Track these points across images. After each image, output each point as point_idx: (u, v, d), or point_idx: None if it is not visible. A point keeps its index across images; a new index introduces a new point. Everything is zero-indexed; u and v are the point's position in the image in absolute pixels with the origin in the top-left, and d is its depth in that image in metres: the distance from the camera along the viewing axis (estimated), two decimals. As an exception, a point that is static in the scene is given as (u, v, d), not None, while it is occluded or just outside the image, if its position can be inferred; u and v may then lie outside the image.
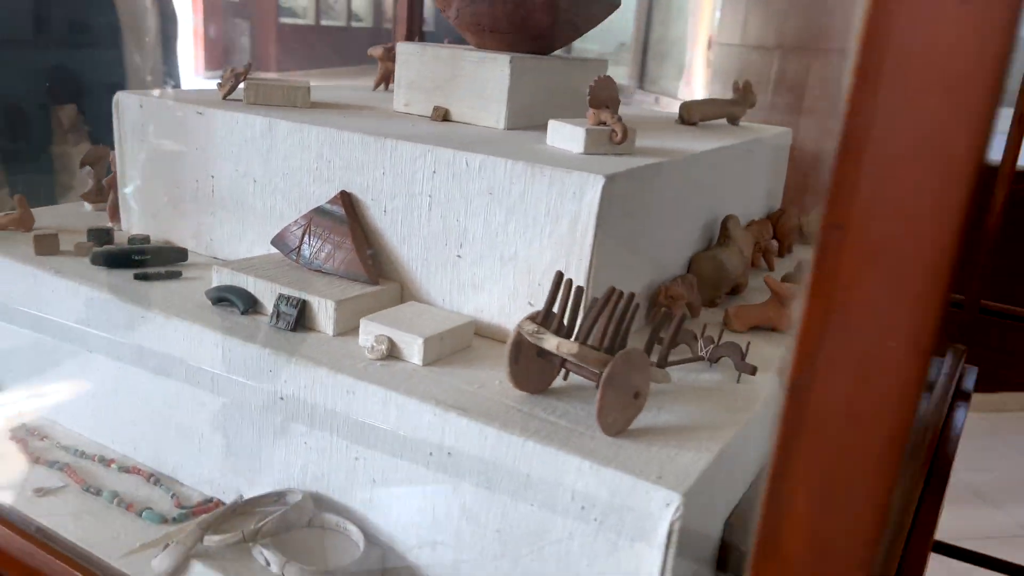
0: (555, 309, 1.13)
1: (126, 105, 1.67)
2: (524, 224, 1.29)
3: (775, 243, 1.93)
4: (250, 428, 1.30)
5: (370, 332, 1.27)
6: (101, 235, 1.63)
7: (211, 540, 1.13)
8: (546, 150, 1.41)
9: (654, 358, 1.17)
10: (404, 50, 1.72)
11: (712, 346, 1.31)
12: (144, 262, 1.54)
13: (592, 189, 1.23)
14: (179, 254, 1.59)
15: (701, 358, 1.32)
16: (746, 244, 1.71)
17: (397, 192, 1.40)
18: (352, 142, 1.43)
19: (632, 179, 1.31)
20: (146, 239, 1.63)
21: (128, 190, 1.72)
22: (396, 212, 1.42)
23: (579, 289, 1.15)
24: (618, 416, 1.07)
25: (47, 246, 1.58)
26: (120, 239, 1.65)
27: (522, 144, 1.45)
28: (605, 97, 1.43)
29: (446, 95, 1.68)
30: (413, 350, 1.24)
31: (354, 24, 15.61)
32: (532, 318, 1.12)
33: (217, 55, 5.32)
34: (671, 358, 1.23)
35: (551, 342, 1.07)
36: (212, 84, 1.75)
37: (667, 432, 1.10)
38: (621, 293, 1.13)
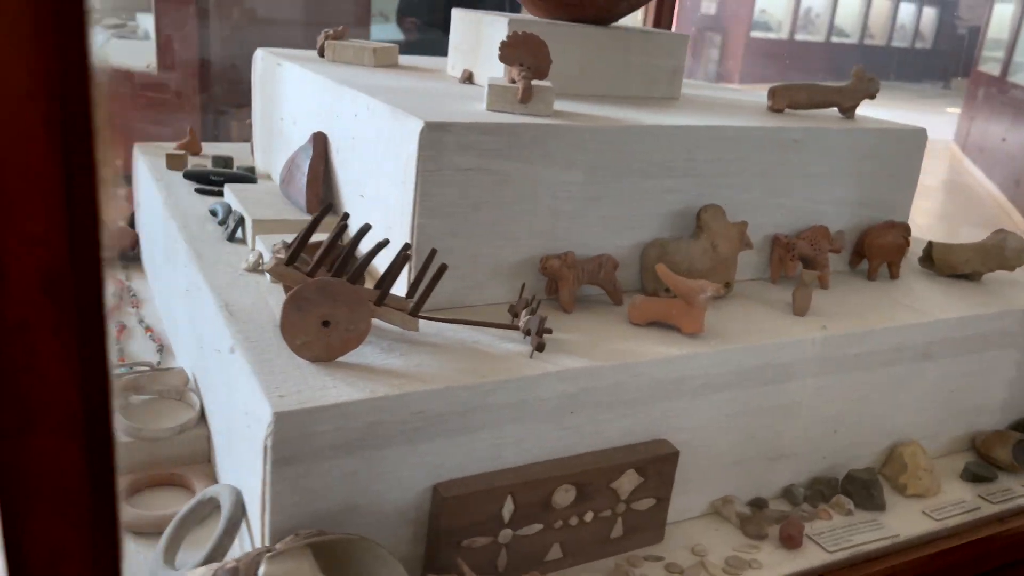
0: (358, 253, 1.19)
1: (255, 61, 2.04)
2: (384, 166, 1.35)
3: (825, 255, 1.60)
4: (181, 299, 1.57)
5: (257, 248, 1.45)
6: (220, 162, 2.03)
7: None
8: (450, 105, 1.42)
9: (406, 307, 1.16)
10: (456, 16, 1.82)
11: (528, 317, 1.23)
12: (218, 182, 1.89)
13: (412, 135, 1.24)
14: (247, 178, 1.91)
15: (513, 327, 1.24)
16: (726, 239, 1.48)
17: (344, 134, 1.54)
18: (326, 88, 1.60)
19: (484, 133, 1.28)
20: (229, 162, 1.98)
21: (255, 130, 2.10)
22: (341, 152, 1.56)
23: (341, 229, 1.18)
24: (312, 341, 1.10)
25: (176, 163, 2.03)
26: (241, 163, 2.02)
27: (442, 98, 1.48)
28: (521, 55, 1.39)
29: (475, 58, 1.75)
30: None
31: (834, 39, 14.99)
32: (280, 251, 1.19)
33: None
34: (481, 319, 1.20)
35: (269, 264, 1.14)
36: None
37: (361, 370, 1.10)
38: (368, 227, 1.15)
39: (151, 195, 1.88)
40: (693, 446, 1.33)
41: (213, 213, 1.66)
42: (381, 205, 1.38)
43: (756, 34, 14.61)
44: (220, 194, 1.78)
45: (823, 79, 1.90)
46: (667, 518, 1.32)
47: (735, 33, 13.78)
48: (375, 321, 1.17)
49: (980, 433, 1.67)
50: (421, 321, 1.21)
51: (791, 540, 1.32)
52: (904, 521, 1.43)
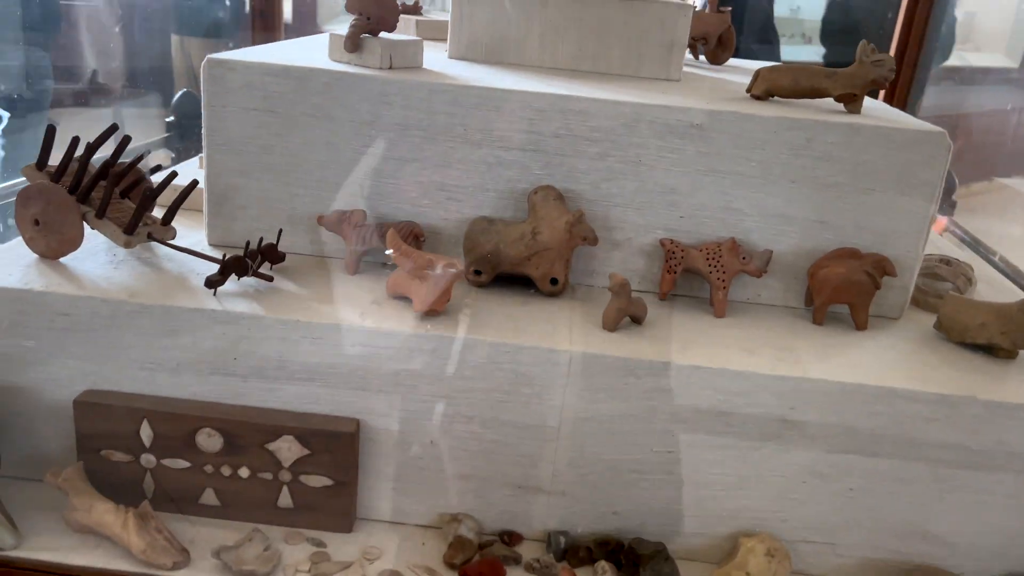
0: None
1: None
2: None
3: (724, 274, 1.24)
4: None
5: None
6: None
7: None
8: (293, 52, 1.41)
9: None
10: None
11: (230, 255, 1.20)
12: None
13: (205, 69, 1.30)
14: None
15: (216, 260, 1.23)
16: (550, 227, 1.24)
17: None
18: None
19: (269, 74, 1.27)
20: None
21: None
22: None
23: (88, 149, 1.28)
24: (34, 237, 1.24)
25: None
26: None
27: (294, 49, 1.47)
28: (364, 4, 1.33)
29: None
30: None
31: None
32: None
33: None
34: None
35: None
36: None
37: (71, 271, 1.21)
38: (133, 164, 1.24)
39: None
40: (403, 442, 1.17)
41: None
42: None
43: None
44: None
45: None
46: (357, 509, 1.19)
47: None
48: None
49: (920, 568, 1.17)
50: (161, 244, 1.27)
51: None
52: (655, 618, 1.08)
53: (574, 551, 1.17)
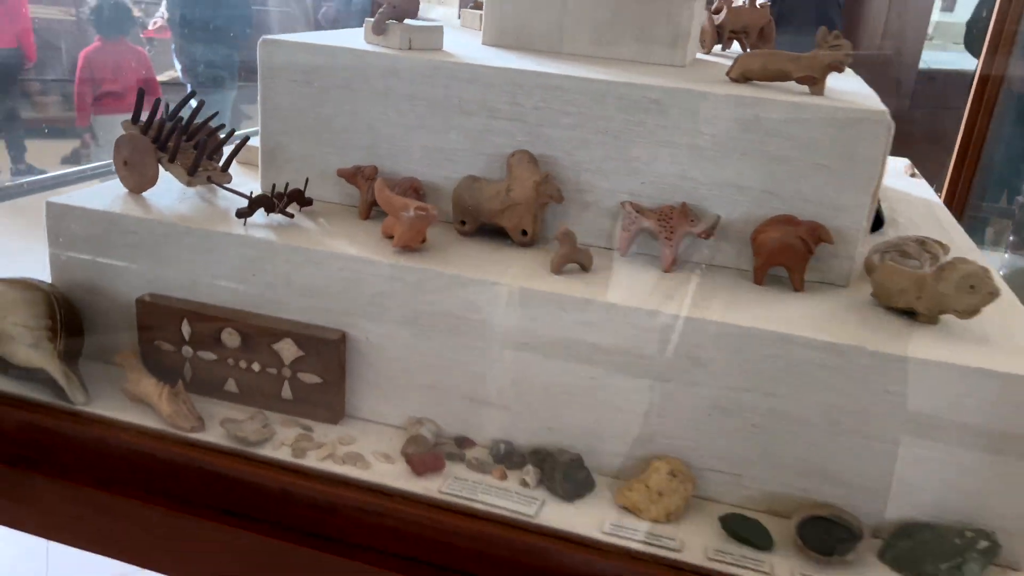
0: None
1: None
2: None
3: (673, 234, 1.39)
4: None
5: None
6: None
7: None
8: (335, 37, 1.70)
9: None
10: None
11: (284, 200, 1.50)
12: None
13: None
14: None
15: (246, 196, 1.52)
16: (521, 186, 1.45)
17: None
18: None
19: (309, 53, 1.57)
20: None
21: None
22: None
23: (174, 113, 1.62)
24: (126, 176, 1.59)
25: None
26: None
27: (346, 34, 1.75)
28: (389, -7, 1.60)
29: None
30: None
31: None
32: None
33: None
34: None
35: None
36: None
37: (147, 203, 1.55)
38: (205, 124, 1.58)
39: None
40: (382, 353, 1.42)
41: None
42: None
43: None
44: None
45: None
46: (345, 405, 1.46)
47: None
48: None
49: (817, 504, 1.29)
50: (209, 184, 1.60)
51: (413, 464, 1.33)
52: (556, 513, 1.27)
53: (510, 457, 1.38)
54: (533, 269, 1.40)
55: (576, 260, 1.40)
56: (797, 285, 1.41)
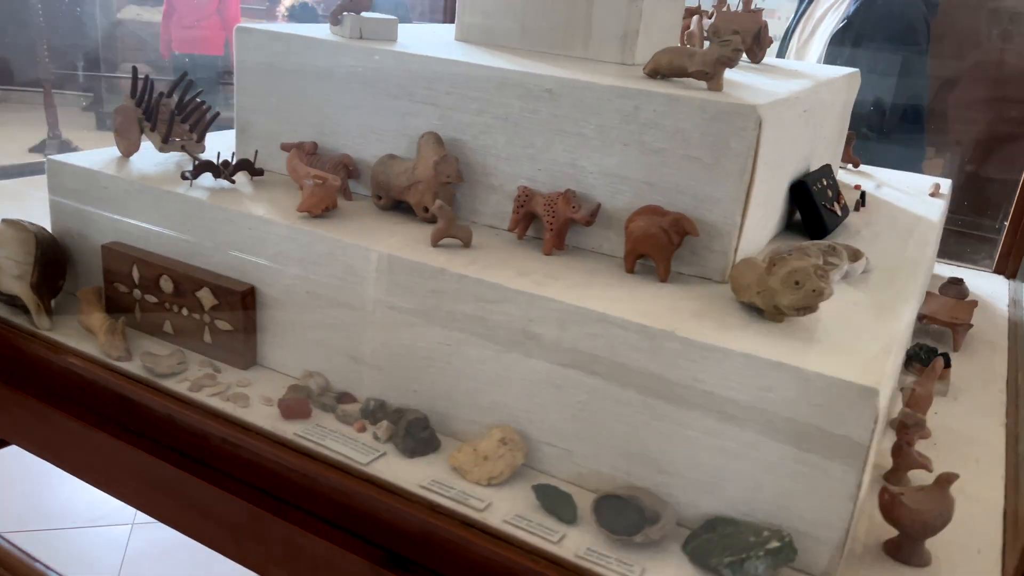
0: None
1: None
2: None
3: (555, 219, 1.43)
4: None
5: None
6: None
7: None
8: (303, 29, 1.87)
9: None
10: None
11: (230, 168, 1.69)
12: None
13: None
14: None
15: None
16: (424, 165, 1.55)
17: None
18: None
19: (272, 39, 1.75)
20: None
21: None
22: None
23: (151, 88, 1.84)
24: (121, 141, 1.84)
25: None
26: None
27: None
28: (347, -11, 1.75)
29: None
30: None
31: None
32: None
33: None
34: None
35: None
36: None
37: (133, 161, 1.79)
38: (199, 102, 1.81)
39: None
40: (284, 309, 1.57)
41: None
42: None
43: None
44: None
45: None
46: (256, 354, 1.62)
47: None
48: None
49: (632, 487, 1.30)
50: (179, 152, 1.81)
51: (282, 409, 1.47)
52: (389, 466, 1.36)
53: (376, 413, 1.48)
54: (416, 241, 1.50)
55: (453, 235, 1.48)
56: (661, 275, 1.42)
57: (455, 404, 1.44)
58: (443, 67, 1.58)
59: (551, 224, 1.49)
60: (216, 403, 1.49)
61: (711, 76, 1.47)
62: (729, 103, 1.37)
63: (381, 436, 1.42)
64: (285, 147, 1.74)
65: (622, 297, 1.33)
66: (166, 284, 1.65)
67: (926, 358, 1.80)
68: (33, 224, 1.77)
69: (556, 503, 1.29)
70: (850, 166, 2.50)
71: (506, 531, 1.24)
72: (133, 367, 1.58)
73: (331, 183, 1.53)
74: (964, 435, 1.60)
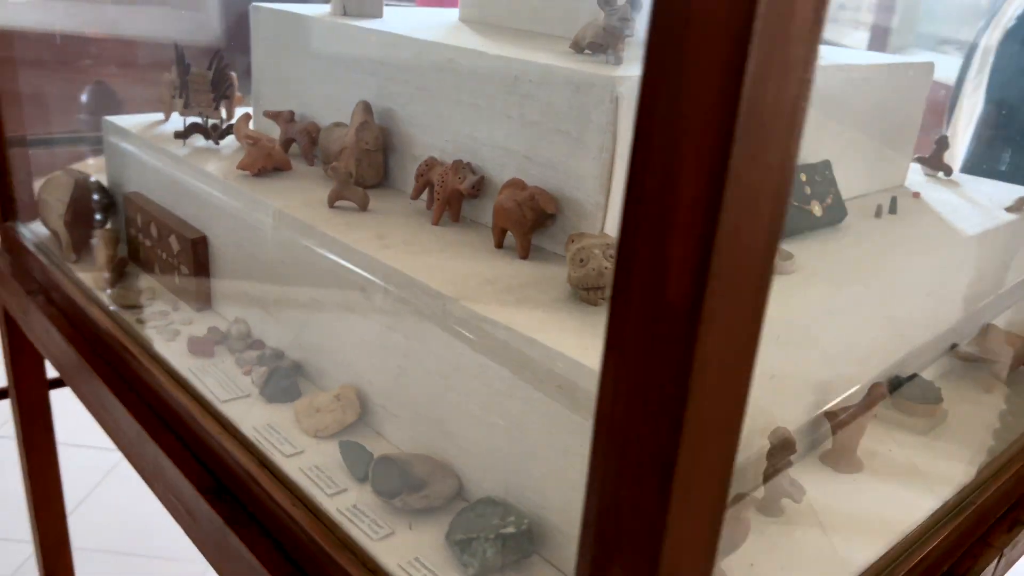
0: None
1: None
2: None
3: (445, 189, 1.42)
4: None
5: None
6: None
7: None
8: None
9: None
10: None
11: (218, 131, 1.88)
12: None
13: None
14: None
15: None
16: (351, 131, 1.61)
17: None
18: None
19: (270, 15, 1.91)
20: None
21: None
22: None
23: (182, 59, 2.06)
24: (161, 106, 2.10)
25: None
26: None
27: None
28: (342, -30, 1.85)
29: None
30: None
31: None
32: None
33: None
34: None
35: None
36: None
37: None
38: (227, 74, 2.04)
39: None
40: (227, 259, 1.72)
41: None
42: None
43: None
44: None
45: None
46: (211, 299, 1.78)
47: None
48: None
49: (424, 458, 1.27)
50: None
51: (189, 346, 1.61)
52: (245, 407, 1.44)
53: (269, 360, 1.57)
54: (320, 202, 1.57)
55: (347, 197, 1.53)
56: (520, 252, 1.36)
57: (322, 359, 1.50)
58: (379, 38, 1.64)
59: (439, 194, 1.49)
60: (152, 333, 1.67)
61: (604, 47, 1.39)
62: (587, 74, 1.29)
63: (256, 381, 1.51)
64: (269, 115, 1.89)
65: (451, 268, 1.31)
66: (153, 230, 1.86)
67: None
68: (81, 172, 2.08)
69: (354, 460, 1.30)
70: (941, 173, 2.17)
71: (294, 478, 1.27)
72: (108, 298, 1.81)
73: (263, 144, 1.65)
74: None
